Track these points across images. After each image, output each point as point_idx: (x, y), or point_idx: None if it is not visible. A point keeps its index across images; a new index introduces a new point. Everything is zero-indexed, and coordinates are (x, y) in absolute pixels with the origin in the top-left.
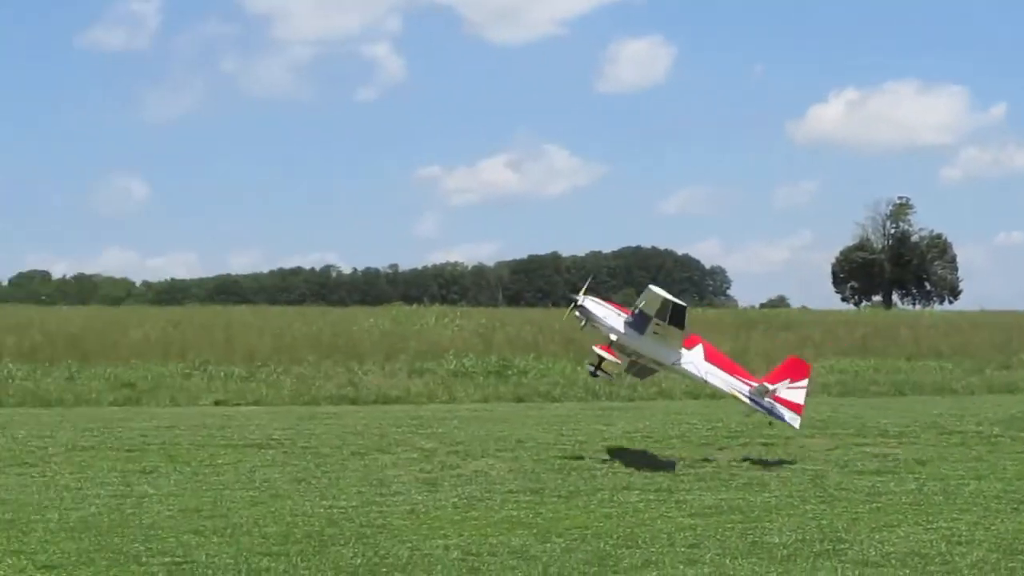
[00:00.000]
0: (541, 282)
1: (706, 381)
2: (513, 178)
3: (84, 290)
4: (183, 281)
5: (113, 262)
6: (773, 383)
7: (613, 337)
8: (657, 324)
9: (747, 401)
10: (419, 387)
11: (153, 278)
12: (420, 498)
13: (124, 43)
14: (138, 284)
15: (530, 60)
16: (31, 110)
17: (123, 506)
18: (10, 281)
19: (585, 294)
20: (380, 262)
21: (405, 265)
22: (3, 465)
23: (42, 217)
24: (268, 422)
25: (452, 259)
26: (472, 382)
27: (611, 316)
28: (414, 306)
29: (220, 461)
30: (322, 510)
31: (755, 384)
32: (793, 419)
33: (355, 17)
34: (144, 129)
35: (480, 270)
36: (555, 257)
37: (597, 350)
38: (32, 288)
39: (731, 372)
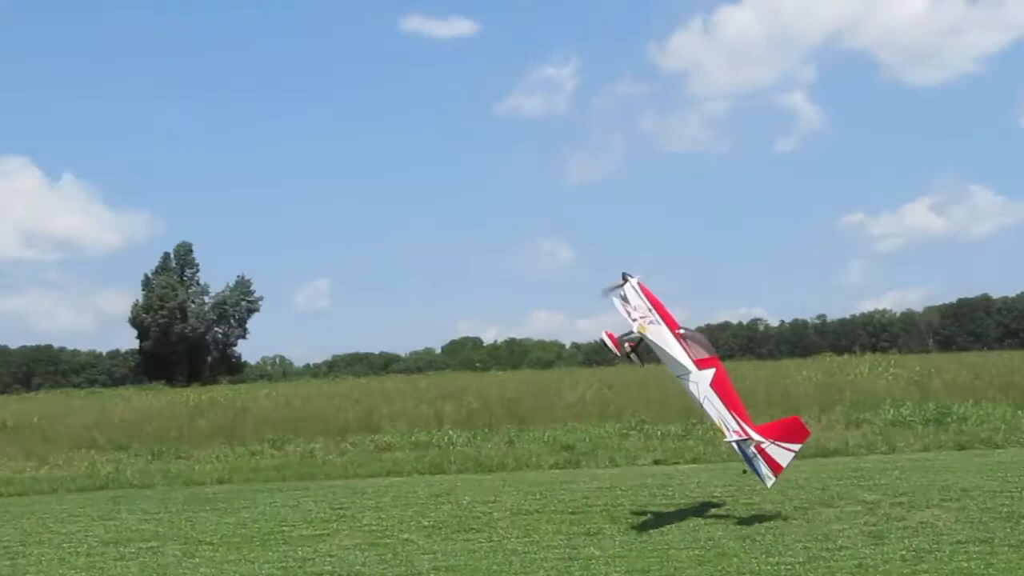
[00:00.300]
0: (972, 325)
1: (701, 405)
2: (937, 221)
3: (515, 354)
4: None
5: (542, 325)
6: (765, 436)
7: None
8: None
9: (731, 440)
10: (857, 438)
11: (581, 339)
12: (867, 552)
13: (542, 108)
14: (567, 346)
15: (949, 100)
16: (457, 181)
17: (571, 568)
18: (444, 348)
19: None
20: (807, 313)
21: (833, 315)
22: (449, 532)
23: (471, 284)
24: (708, 480)
25: (880, 306)
26: (911, 431)
27: (642, 308)
28: (845, 356)
29: (663, 520)
30: (768, 567)
31: (746, 429)
32: (768, 477)
33: (769, 69)
34: (565, 192)
35: (909, 316)
36: (985, 299)
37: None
38: (465, 355)
39: (730, 406)
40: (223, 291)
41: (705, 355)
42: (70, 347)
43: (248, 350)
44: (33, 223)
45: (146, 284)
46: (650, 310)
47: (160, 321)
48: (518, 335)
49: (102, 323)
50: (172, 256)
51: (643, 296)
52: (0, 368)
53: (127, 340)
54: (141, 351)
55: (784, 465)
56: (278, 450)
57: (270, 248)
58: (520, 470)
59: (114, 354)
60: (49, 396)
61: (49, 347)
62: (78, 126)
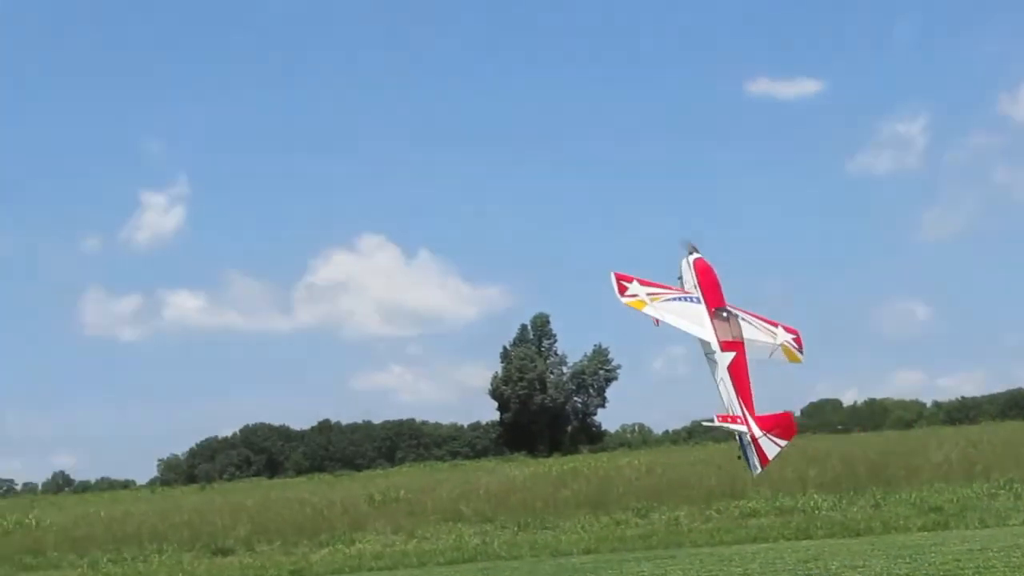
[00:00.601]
0: None
1: (717, 385)
2: None
3: (876, 414)
4: (974, 399)
5: (902, 385)
6: (761, 428)
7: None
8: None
9: (731, 423)
10: None
11: (943, 397)
12: None
13: (893, 165)
14: (928, 405)
15: None
16: (804, 242)
17: None
18: (803, 411)
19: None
20: None
21: None
22: None
23: (828, 345)
24: None
25: None
26: None
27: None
28: None
29: None
30: None
31: (747, 418)
32: (756, 467)
33: None
34: (920, 248)
35: None
36: None
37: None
38: (824, 417)
39: (739, 393)
40: (581, 360)
41: (731, 339)
42: (432, 420)
43: (607, 418)
44: (392, 299)
45: (505, 356)
46: (695, 287)
47: (520, 392)
48: (877, 395)
49: (463, 396)
50: (529, 327)
51: (693, 271)
52: (365, 443)
53: (488, 412)
54: (502, 422)
55: (771, 458)
56: (643, 518)
57: (626, 317)
58: (888, 533)
59: (475, 426)
60: (413, 469)
61: (412, 421)
62: (431, 202)
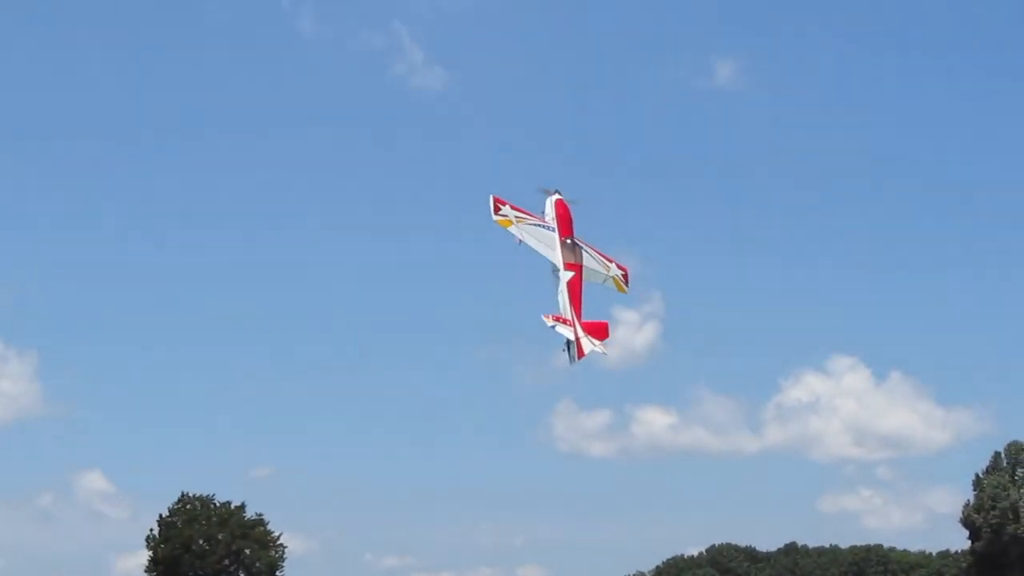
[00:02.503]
0: None
1: (558, 294)
2: None
3: None
4: None
5: None
6: (584, 330)
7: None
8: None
9: (561, 323)
10: None
11: None
12: None
13: None
14: None
15: None
16: None
17: None
18: None
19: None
20: None
21: None
22: None
23: None
24: None
25: None
26: None
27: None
28: None
29: None
30: None
31: (575, 322)
32: (574, 358)
33: None
34: None
35: None
36: None
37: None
38: None
39: (573, 302)
40: None
41: (572, 262)
42: (900, 546)
43: None
44: (862, 422)
45: (977, 483)
46: (552, 219)
47: (992, 522)
48: None
49: (931, 522)
50: (1003, 455)
51: (554, 207)
52: (832, 567)
53: (958, 540)
54: (972, 552)
55: (586, 352)
56: None
57: None
58: None
59: (944, 554)
60: None
61: (879, 547)
62: (903, 323)
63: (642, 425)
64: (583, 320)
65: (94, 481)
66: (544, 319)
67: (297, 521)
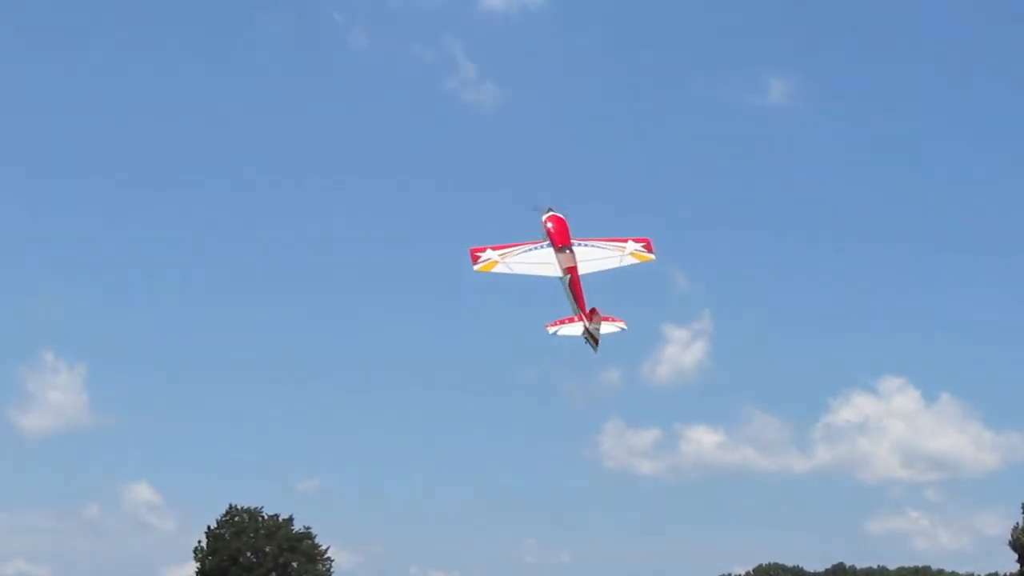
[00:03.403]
0: None
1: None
2: None
3: None
4: None
5: None
6: (588, 318)
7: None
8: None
9: (564, 324)
10: None
11: None
12: None
13: None
14: None
15: None
16: None
17: None
18: None
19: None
20: None
21: None
22: None
23: None
24: None
25: None
26: None
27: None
28: None
29: None
30: None
31: (581, 315)
32: (595, 346)
33: None
34: None
35: None
36: None
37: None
38: None
39: (576, 297)
40: None
41: (570, 265)
42: (948, 568)
43: None
44: (911, 443)
45: None
46: (545, 236)
47: None
48: None
49: (980, 544)
50: None
51: (543, 225)
52: None
53: (1006, 563)
54: (1021, 575)
55: (599, 338)
56: None
57: None
58: None
59: None
60: None
61: (927, 568)
62: (955, 342)
63: (690, 443)
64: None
65: (142, 492)
66: (547, 329)
67: (344, 535)
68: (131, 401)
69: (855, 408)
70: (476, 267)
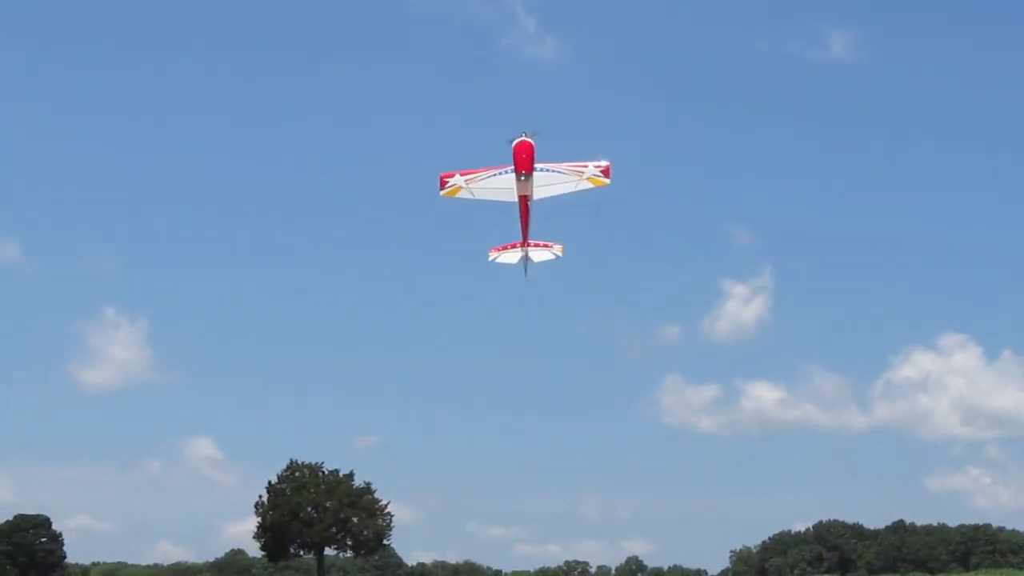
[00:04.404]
0: None
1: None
2: None
3: None
4: None
5: None
6: (531, 244)
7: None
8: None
9: (507, 250)
10: None
11: None
12: None
13: None
14: None
15: None
16: None
17: None
18: None
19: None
20: None
21: None
22: None
23: None
24: None
25: None
26: None
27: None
28: None
29: None
30: None
31: (524, 240)
32: (526, 268)
33: None
34: None
35: None
36: None
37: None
38: None
39: (522, 222)
40: None
41: (524, 193)
42: (1008, 527)
43: None
44: (971, 401)
45: None
46: (511, 161)
47: None
48: None
49: None
50: None
51: (512, 150)
52: (939, 546)
53: None
54: None
55: (537, 260)
56: None
57: None
58: None
59: None
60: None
61: (988, 526)
62: (1017, 299)
63: (751, 400)
64: (530, 240)
65: (203, 448)
66: (490, 256)
67: (404, 491)
68: (192, 357)
69: (916, 365)
70: (442, 192)
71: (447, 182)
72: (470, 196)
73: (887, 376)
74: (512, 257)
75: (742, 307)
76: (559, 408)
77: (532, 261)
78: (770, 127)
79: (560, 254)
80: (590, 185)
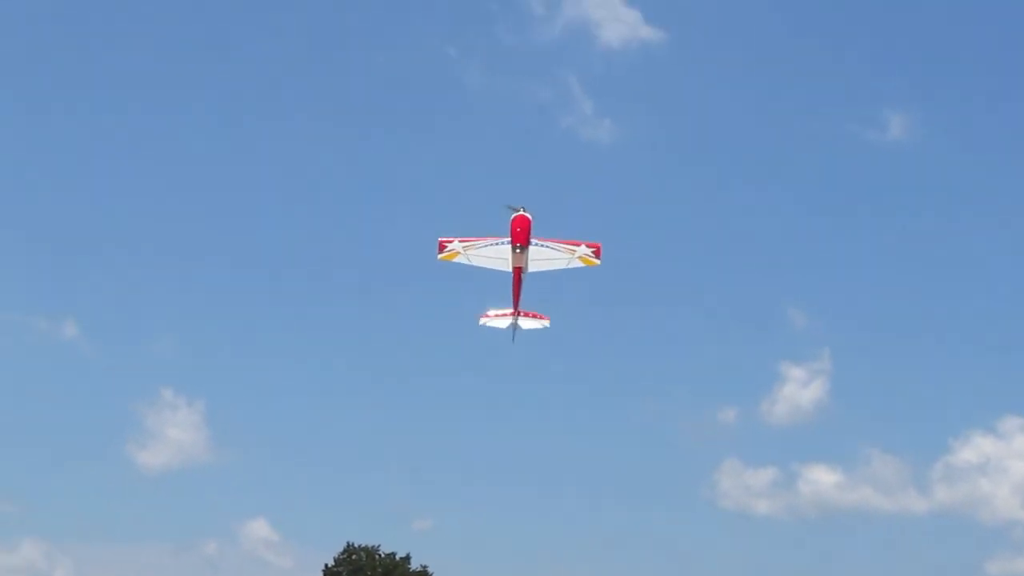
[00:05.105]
0: None
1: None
2: None
3: None
4: None
5: None
6: (521, 313)
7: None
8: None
9: (497, 317)
10: None
11: None
12: None
13: None
14: None
15: None
16: None
17: None
18: None
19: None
20: None
21: None
22: None
23: None
24: None
25: None
26: None
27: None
28: None
29: None
30: None
31: (515, 309)
32: (513, 336)
33: None
34: None
35: None
36: None
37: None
38: None
39: (514, 292)
40: None
41: (518, 265)
42: None
43: None
44: None
45: None
46: (508, 233)
47: None
48: None
49: None
50: None
51: (510, 223)
52: None
53: None
54: None
55: (526, 328)
56: None
57: None
58: None
59: None
60: None
61: None
62: None
63: (808, 483)
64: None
65: (260, 529)
66: (480, 321)
67: (460, 574)
68: (249, 438)
69: (975, 448)
70: (439, 256)
71: (445, 247)
72: (466, 262)
73: (946, 459)
74: (501, 323)
75: (800, 390)
76: (615, 492)
77: (520, 328)
78: (826, 208)
79: (547, 325)
80: (580, 264)
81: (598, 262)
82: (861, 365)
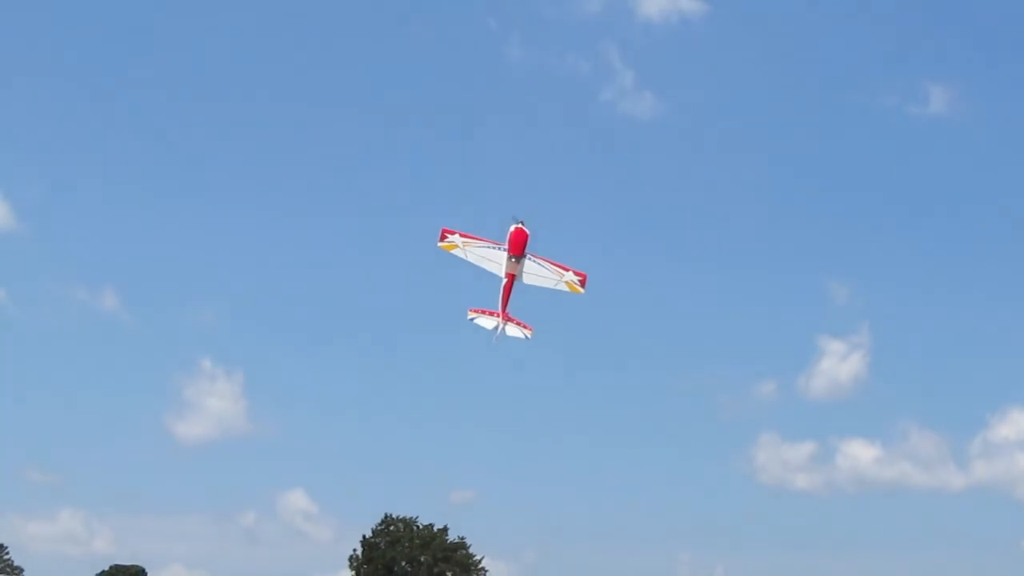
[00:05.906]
0: None
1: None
2: None
3: None
4: None
5: None
6: (506, 319)
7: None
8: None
9: (484, 315)
10: None
11: None
12: None
13: None
14: None
15: None
16: None
17: None
18: None
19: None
20: None
21: None
22: None
23: None
24: None
25: None
26: None
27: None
28: None
29: None
30: None
31: (504, 313)
32: (496, 339)
33: None
34: None
35: None
36: None
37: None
38: None
39: (503, 297)
40: None
41: (511, 272)
42: None
43: None
44: None
45: None
46: (506, 242)
47: None
48: None
49: None
50: None
51: (508, 233)
52: None
53: None
54: None
55: (510, 334)
56: None
57: None
58: None
59: None
60: None
61: None
62: None
63: (847, 458)
64: (514, 318)
65: (298, 500)
66: (469, 314)
67: (498, 546)
68: (288, 409)
69: (1013, 424)
70: (439, 244)
71: (446, 236)
72: (463, 257)
73: (984, 435)
74: (488, 323)
75: (838, 364)
76: (654, 466)
77: (504, 334)
78: (866, 183)
79: (529, 336)
80: (565, 288)
81: (582, 291)
82: (900, 340)
